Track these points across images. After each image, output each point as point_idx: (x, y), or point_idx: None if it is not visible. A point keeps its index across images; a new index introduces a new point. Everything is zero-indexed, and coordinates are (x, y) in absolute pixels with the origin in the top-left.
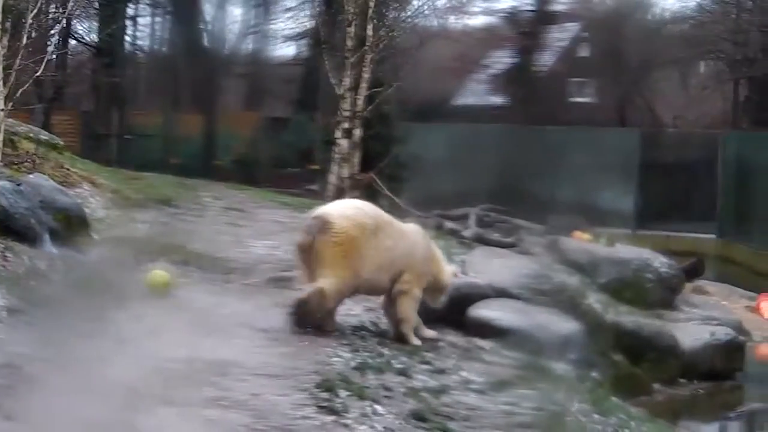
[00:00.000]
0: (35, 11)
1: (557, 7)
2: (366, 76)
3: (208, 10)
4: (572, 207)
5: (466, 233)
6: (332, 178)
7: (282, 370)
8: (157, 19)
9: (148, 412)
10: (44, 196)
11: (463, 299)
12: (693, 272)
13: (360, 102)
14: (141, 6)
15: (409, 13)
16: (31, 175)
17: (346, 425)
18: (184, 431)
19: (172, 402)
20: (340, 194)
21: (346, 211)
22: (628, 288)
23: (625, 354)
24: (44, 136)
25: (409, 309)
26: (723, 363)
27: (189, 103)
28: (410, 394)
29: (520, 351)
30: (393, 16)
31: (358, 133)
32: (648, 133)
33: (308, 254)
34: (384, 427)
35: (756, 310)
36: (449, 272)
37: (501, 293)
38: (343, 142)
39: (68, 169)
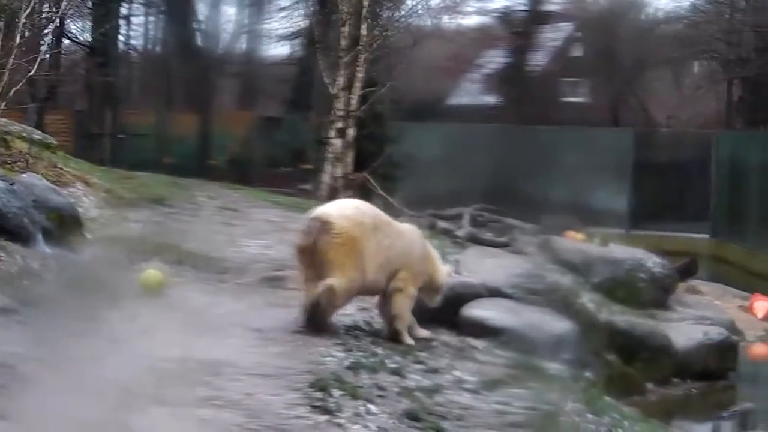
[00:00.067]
0: (28, 10)
1: (550, 7)
2: (360, 75)
3: (201, 9)
4: (566, 207)
5: (460, 233)
6: (326, 178)
7: (275, 369)
8: (151, 18)
9: (142, 412)
10: (37, 195)
11: (456, 299)
12: (686, 272)
13: (354, 101)
14: (134, 5)
15: (402, 12)
16: (24, 175)
17: (339, 425)
18: (178, 431)
19: (165, 401)
20: (333, 194)
21: (345, 210)
22: (622, 288)
23: (618, 353)
24: (37, 135)
25: (403, 306)
26: (716, 363)
27: (182, 102)
28: (404, 394)
29: (513, 350)
30: (387, 15)
31: (351, 132)
32: (641, 133)
33: (309, 256)
34: (377, 427)
35: (749, 309)
36: (445, 272)
37: (494, 293)
38: (337, 142)
39: (61, 169)
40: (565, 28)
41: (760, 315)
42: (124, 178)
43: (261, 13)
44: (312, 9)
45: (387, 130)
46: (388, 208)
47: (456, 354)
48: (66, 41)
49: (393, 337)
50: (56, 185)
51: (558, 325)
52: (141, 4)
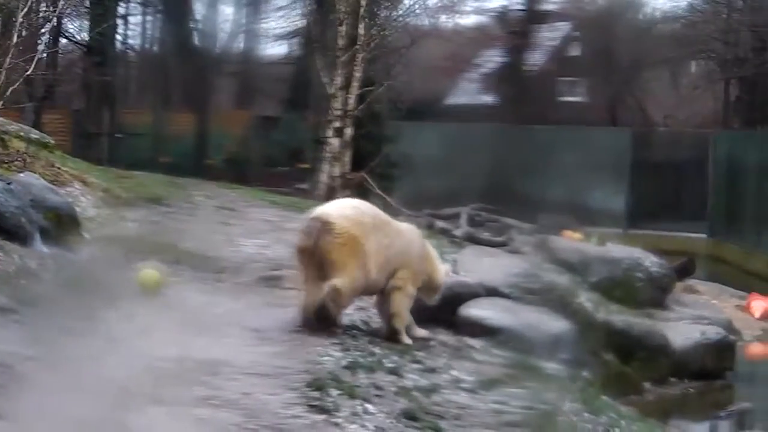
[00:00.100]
0: (26, 10)
1: (548, 6)
2: (357, 75)
3: (198, 8)
4: (563, 206)
5: (457, 232)
6: (323, 177)
7: (273, 369)
8: (148, 17)
9: (139, 411)
10: (35, 194)
11: (453, 298)
12: (684, 271)
13: (351, 101)
14: (132, 5)
15: (400, 12)
16: (21, 174)
17: (336, 424)
18: (175, 430)
19: (162, 401)
20: (331, 193)
21: (344, 210)
22: (619, 287)
23: (615, 353)
24: (35, 134)
25: (402, 305)
26: (713, 362)
27: (180, 101)
28: (401, 393)
29: (511, 350)
30: (384, 15)
31: (349, 132)
32: (639, 133)
33: (310, 256)
34: (375, 426)
35: (746, 309)
36: (443, 271)
37: (491, 292)
38: (334, 141)
39: (59, 168)
40: (562, 28)
41: (757, 314)
42: (122, 178)
43: (258, 12)
44: (309, 8)
45: (384, 130)
46: (385, 207)
47: (453, 353)
48: (63, 40)
49: (391, 335)
50: (54, 185)
51: (555, 324)
52: (138, 3)
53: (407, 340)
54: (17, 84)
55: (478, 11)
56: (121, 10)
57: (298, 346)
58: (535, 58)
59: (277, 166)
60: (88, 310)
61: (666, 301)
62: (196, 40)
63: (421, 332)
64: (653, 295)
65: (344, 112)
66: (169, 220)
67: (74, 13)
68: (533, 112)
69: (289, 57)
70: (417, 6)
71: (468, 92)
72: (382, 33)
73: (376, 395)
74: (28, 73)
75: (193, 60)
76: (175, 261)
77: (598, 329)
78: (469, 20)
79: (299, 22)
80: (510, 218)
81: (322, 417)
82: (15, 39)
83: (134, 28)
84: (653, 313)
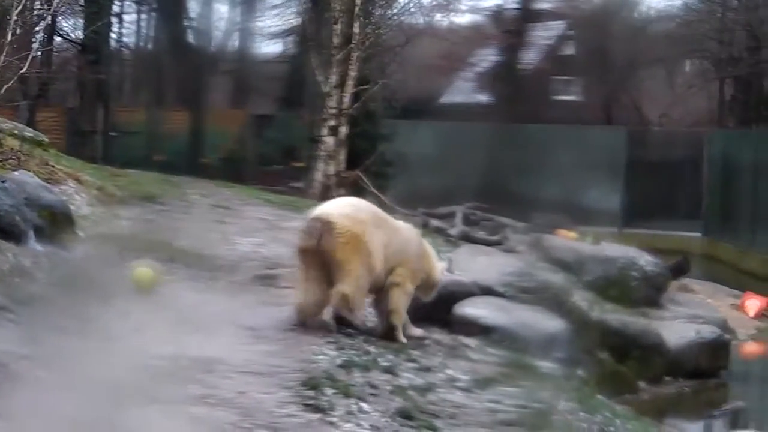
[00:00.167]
0: (20, 8)
1: (542, 5)
2: (352, 73)
3: (193, 6)
4: (558, 205)
5: (452, 231)
6: (318, 176)
7: (267, 367)
8: (143, 16)
9: (134, 410)
10: (29, 193)
11: (448, 297)
12: (678, 270)
13: (346, 99)
14: (126, 3)
15: (395, 10)
16: (15, 172)
17: (331, 423)
18: (170, 429)
19: (157, 399)
20: (326, 192)
21: (344, 209)
22: (614, 286)
23: (610, 352)
24: (29, 133)
25: (400, 301)
26: (708, 361)
27: (174, 100)
28: (396, 392)
29: (506, 349)
30: (379, 13)
31: (344, 130)
32: (634, 132)
33: (312, 256)
34: (370, 425)
35: (741, 308)
36: (441, 269)
37: (486, 291)
38: (329, 140)
39: (53, 166)
40: (557, 27)
41: (751, 313)
42: (116, 176)
43: (253, 10)
44: (304, 6)
45: (379, 128)
46: (380, 206)
47: (448, 352)
48: (58, 39)
49: (387, 332)
50: (48, 183)
51: (550, 323)
52: (133, 1)
53: (403, 338)
54: (11, 82)
55: (473, 10)
56: (115, 8)
57: (293, 344)
58: (530, 57)
59: (271, 164)
60: (82, 308)
61: (661, 300)
62: (190, 38)
63: (416, 331)
64: (648, 294)
65: (339, 111)
66: (164, 219)
67: (69, 11)
68: (528, 111)
69: (284, 55)
70: (412, 4)
71: (463, 91)
72: (377, 31)
73: (371, 394)
74: (23, 71)
75: (188, 58)
76: (170, 259)
77: (593, 328)
78: (463, 19)
79: (294, 21)
80: (505, 217)
81: (317, 416)
82: (9, 37)
83: (129, 26)
84: (648, 312)
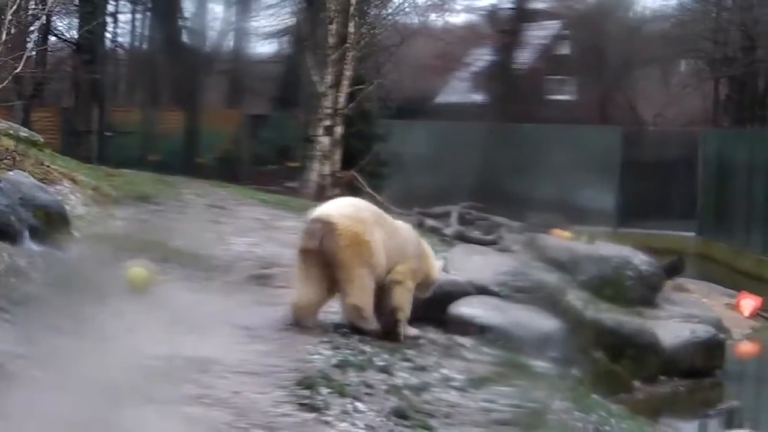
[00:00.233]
0: (15, 7)
1: (537, 4)
2: (347, 73)
3: (188, 6)
4: (553, 205)
5: (447, 231)
6: (313, 176)
7: (262, 367)
8: (138, 15)
9: (129, 410)
10: (24, 193)
11: (443, 297)
12: (673, 270)
13: (341, 99)
14: (121, 2)
15: (390, 10)
16: (10, 172)
17: (326, 422)
18: (165, 429)
19: (152, 399)
20: (321, 192)
21: (345, 210)
22: (609, 285)
23: (605, 351)
24: (24, 132)
25: (404, 297)
26: (703, 360)
27: (169, 100)
28: (391, 392)
29: (500, 348)
30: (374, 13)
31: (339, 130)
32: (629, 132)
33: (313, 257)
34: (365, 425)
35: (735, 307)
36: (438, 267)
37: (481, 291)
38: (325, 140)
39: (48, 166)
40: (552, 26)
41: (746, 313)
42: (111, 176)
43: (248, 10)
44: (299, 6)
45: (375, 128)
46: (376, 206)
47: (443, 352)
48: (52, 38)
49: (390, 331)
50: (43, 183)
51: (545, 323)
52: (128, 1)
53: (411, 332)
54: (6, 82)
55: (468, 9)
56: (110, 7)
57: (288, 344)
58: (525, 57)
59: (266, 164)
60: (77, 308)
61: (655, 299)
62: (185, 38)
63: (411, 331)
64: (643, 293)
65: (334, 111)
66: (159, 219)
67: (63, 10)
68: (523, 111)
69: (279, 55)
70: (407, 4)
71: (458, 91)
72: (372, 31)
73: (367, 393)
74: (17, 70)
75: (183, 58)
76: (165, 259)
77: (588, 327)
78: (458, 18)
79: (289, 21)
80: (500, 217)
81: (312, 415)
82: (4, 36)
83: (124, 26)
84: (643, 312)
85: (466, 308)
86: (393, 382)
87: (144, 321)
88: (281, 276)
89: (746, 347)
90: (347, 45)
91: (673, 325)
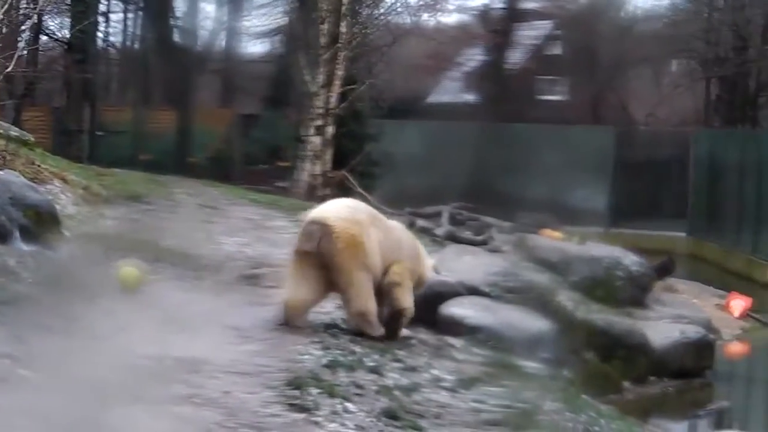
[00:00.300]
0: (6, 6)
1: (529, 4)
2: (339, 73)
3: (179, 6)
4: (544, 205)
5: (438, 231)
6: (304, 176)
7: (252, 367)
8: (129, 15)
9: (119, 409)
10: (14, 192)
11: (434, 297)
12: (664, 270)
13: (333, 99)
14: (113, 2)
15: (382, 10)
16: (1, 172)
17: (316, 423)
18: (155, 429)
19: (142, 399)
20: (312, 191)
21: (341, 211)
22: (599, 286)
23: (595, 352)
24: (15, 132)
25: (406, 297)
26: (693, 361)
27: (161, 99)
28: (382, 392)
29: (491, 349)
30: (366, 13)
31: (330, 130)
32: (621, 132)
33: (309, 259)
34: (355, 425)
35: (726, 308)
36: (430, 267)
37: (472, 291)
38: (316, 140)
39: (39, 166)
40: (543, 26)
41: (736, 313)
42: (102, 175)
43: (240, 9)
44: (291, 6)
45: (366, 128)
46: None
47: (434, 352)
48: (44, 38)
49: (391, 330)
50: (34, 182)
51: (535, 323)
52: (120, 0)
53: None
54: None
55: (460, 9)
56: (102, 7)
57: (278, 344)
58: (517, 57)
59: (257, 164)
60: (67, 307)
61: (646, 300)
62: (177, 37)
63: (402, 331)
64: (633, 294)
65: (326, 111)
66: (150, 218)
67: (55, 10)
68: (514, 111)
69: (270, 55)
70: (399, 4)
71: (449, 91)
72: (364, 31)
73: (357, 394)
74: (9, 70)
75: (175, 57)
76: (156, 259)
77: (578, 328)
78: (450, 18)
79: (281, 20)
80: (491, 217)
81: (302, 416)
82: None
83: (115, 25)
84: (633, 312)
85: (457, 309)
86: (383, 382)
87: (134, 321)
88: (272, 276)
89: (736, 348)
90: (339, 45)
91: (663, 326)
